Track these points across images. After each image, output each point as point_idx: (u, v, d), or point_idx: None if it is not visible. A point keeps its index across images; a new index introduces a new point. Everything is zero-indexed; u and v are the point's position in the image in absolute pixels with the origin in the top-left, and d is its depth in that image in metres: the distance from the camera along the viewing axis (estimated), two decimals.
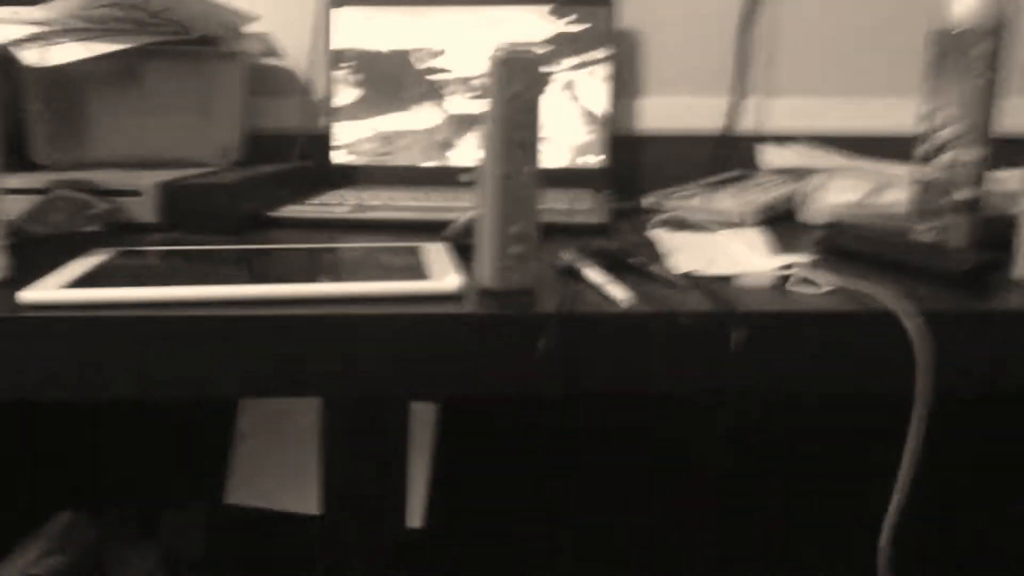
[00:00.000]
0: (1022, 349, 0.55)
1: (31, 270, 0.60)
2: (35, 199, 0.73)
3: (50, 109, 0.91)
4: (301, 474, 0.86)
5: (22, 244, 0.70)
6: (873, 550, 0.94)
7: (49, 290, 0.54)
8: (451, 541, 1.03)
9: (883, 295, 0.55)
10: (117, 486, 1.00)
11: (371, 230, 0.80)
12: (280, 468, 0.88)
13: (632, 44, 1.08)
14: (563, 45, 1.02)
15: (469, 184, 1.03)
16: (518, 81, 0.55)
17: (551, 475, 1.06)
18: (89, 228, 0.74)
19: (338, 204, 0.86)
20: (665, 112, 1.08)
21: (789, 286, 0.60)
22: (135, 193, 0.78)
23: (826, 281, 0.59)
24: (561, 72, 1.02)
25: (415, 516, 0.89)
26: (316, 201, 0.88)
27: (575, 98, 1.02)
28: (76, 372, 0.52)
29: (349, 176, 1.04)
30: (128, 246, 0.68)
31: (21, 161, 0.91)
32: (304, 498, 0.84)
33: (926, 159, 0.68)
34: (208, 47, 0.94)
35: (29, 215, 0.72)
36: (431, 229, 0.77)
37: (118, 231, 0.76)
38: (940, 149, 0.67)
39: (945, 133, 0.66)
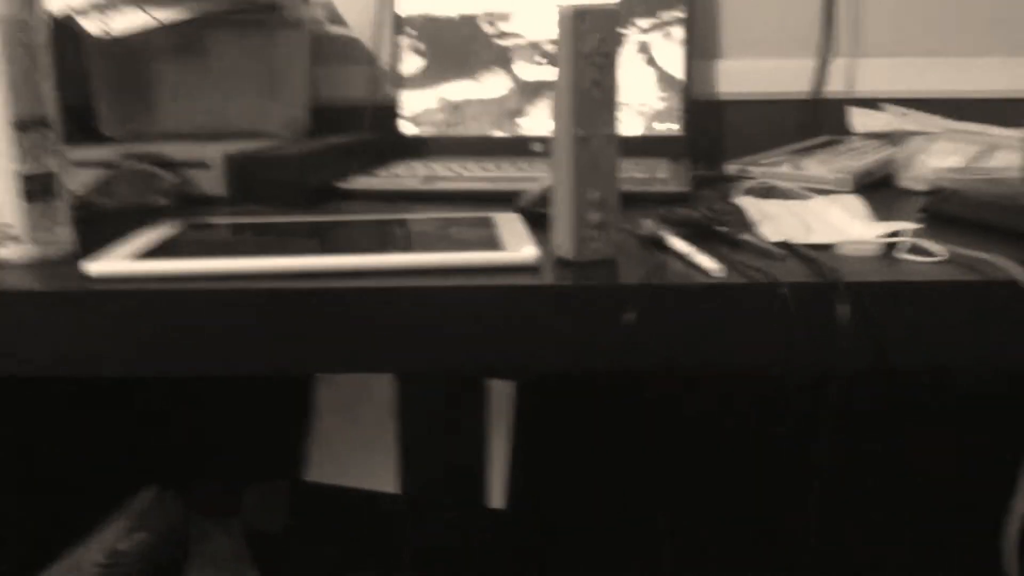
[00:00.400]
0: None
1: (99, 243, 0.58)
2: (102, 172, 0.72)
3: (116, 81, 0.90)
4: (379, 452, 0.84)
5: (90, 217, 0.69)
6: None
7: (115, 261, 0.52)
8: (533, 522, 1.01)
9: (1005, 263, 0.50)
10: (201, 463, 1.00)
11: (441, 201, 0.77)
12: (358, 446, 0.86)
13: (710, 3, 1.02)
14: (637, 5, 0.97)
15: (541, 153, 0.99)
16: (591, 36, 0.51)
17: (637, 455, 1.02)
18: (157, 201, 0.73)
19: (407, 175, 0.83)
20: (747, 75, 1.02)
21: (898, 255, 0.55)
22: (203, 165, 0.76)
23: (940, 249, 0.54)
24: (635, 34, 0.97)
25: (497, 496, 0.87)
26: (384, 172, 0.85)
27: (651, 61, 0.97)
28: (143, 347, 0.51)
29: (417, 147, 1.01)
30: (196, 218, 0.66)
31: (88, 133, 0.90)
32: (382, 476, 0.83)
33: None
34: (272, 15, 0.92)
35: (97, 188, 0.71)
36: (503, 200, 0.73)
37: (186, 204, 0.75)
38: None
39: None
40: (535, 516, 0.99)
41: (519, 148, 1.00)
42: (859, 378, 1.01)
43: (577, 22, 0.51)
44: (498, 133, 1.00)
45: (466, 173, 0.84)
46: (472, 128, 1.00)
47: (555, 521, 1.02)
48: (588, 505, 1.02)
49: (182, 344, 0.51)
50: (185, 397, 1.02)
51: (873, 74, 1.01)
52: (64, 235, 0.57)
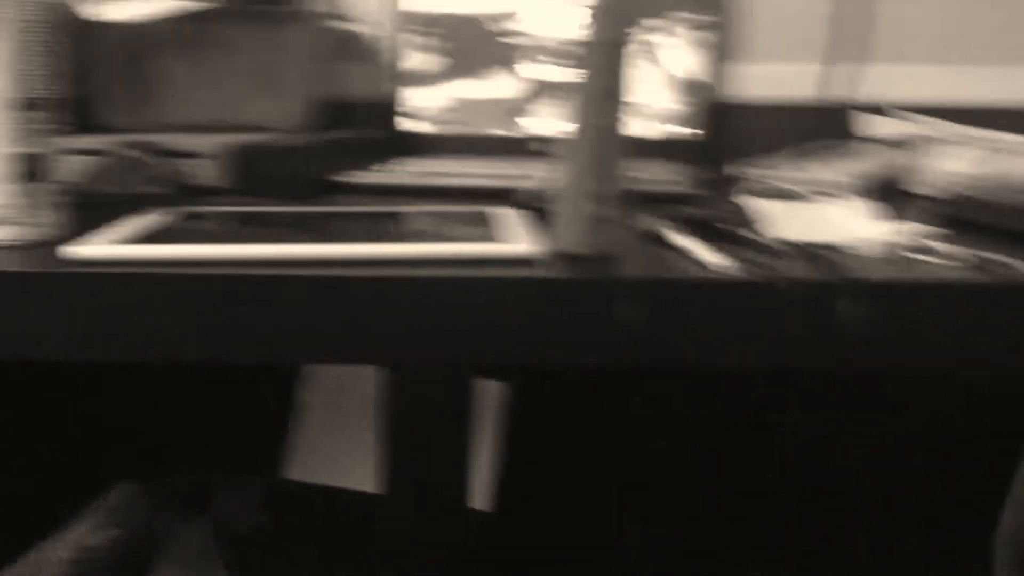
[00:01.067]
0: None
1: (90, 229, 0.57)
2: (96, 159, 0.71)
3: (119, 71, 0.90)
4: (360, 450, 0.83)
5: (85, 204, 0.67)
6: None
7: (95, 246, 0.51)
8: (518, 524, 0.99)
9: (1014, 263, 0.48)
10: (175, 458, 0.99)
11: (438, 197, 0.76)
12: (340, 443, 0.85)
13: (723, 9, 1.01)
14: (659, 8, 0.96)
15: (539, 152, 0.98)
16: (606, 34, 0.50)
17: (625, 457, 1.01)
18: (152, 190, 0.71)
19: (405, 170, 0.82)
20: (756, 80, 1.01)
21: (905, 254, 0.53)
22: (201, 156, 0.75)
23: (948, 250, 0.52)
24: (648, 38, 0.96)
25: (481, 498, 0.85)
26: (383, 167, 0.84)
27: (664, 64, 0.96)
28: (121, 331, 0.49)
29: (418, 144, 1.00)
30: (190, 207, 0.65)
31: (89, 123, 0.89)
32: (362, 474, 0.81)
33: None
34: (276, 9, 0.91)
35: (91, 175, 0.69)
36: (500, 196, 0.72)
37: (183, 194, 0.74)
38: None
39: None
40: (520, 519, 0.98)
41: (519, 147, 0.99)
42: (865, 377, 0.99)
43: (595, 20, 0.50)
44: (499, 132, 0.99)
45: (464, 170, 0.82)
46: (473, 126, 0.99)
47: (541, 525, 1.01)
48: (576, 508, 1.00)
49: (160, 331, 0.49)
50: (163, 390, 1.01)
51: (882, 80, 1.00)
52: (48, 218, 0.55)
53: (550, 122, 0.98)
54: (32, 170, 0.54)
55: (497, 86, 0.99)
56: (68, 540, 0.73)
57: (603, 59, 0.50)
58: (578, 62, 0.51)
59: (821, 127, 1.00)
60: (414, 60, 1.00)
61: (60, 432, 0.99)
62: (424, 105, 1.00)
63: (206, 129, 0.89)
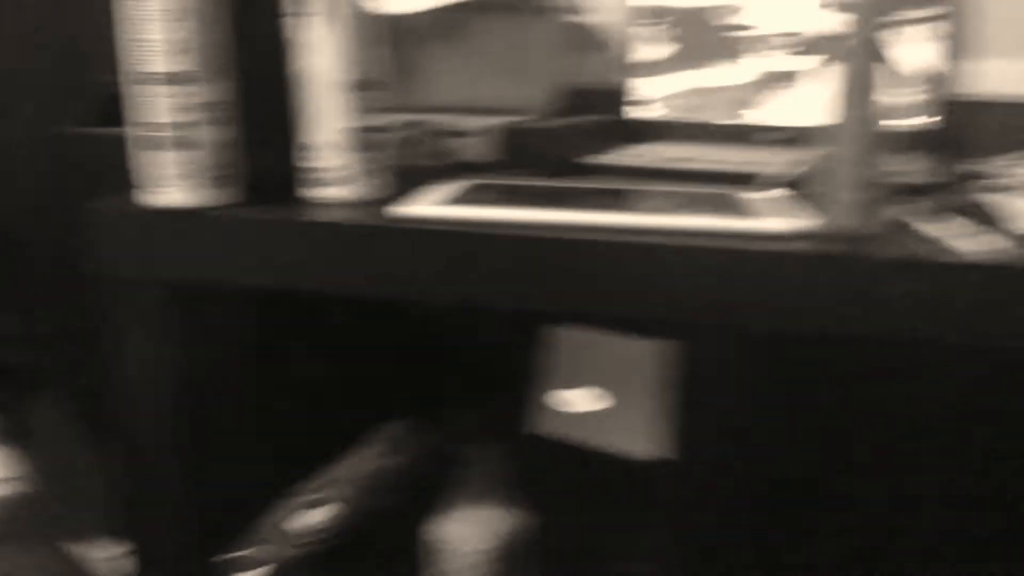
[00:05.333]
0: None
1: (399, 193, 0.69)
2: (403, 133, 0.84)
3: (395, 58, 1.02)
4: (638, 414, 0.91)
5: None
6: None
7: (426, 206, 0.62)
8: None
9: None
10: (451, 398, 1.09)
11: (677, 179, 0.83)
12: (608, 405, 0.93)
13: (972, 2, 1.02)
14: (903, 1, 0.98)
15: (767, 141, 1.02)
16: (871, 24, 0.56)
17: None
18: (431, 163, 0.83)
19: (649, 154, 0.89)
20: (1007, 77, 1.01)
21: None
22: (467, 135, 0.86)
23: None
24: (900, 29, 0.99)
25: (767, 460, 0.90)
26: (627, 151, 0.92)
27: (906, 55, 0.98)
28: (437, 276, 0.60)
29: (651, 131, 1.07)
30: (476, 179, 0.76)
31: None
32: (630, 437, 0.89)
33: None
34: (526, 3, 1.01)
35: (399, 146, 0.82)
36: (737, 181, 0.78)
37: (460, 167, 0.85)
38: None
39: None
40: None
41: (745, 136, 1.04)
42: None
43: (856, 14, 0.56)
44: (725, 120, 1.05)
45: (696, 155, 0.89)
46: (704, 115, 1.05)
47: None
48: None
49: (469, 277, 0.60)
50: (457, 334, 1.12)
51: None
52: (383, 182, 0.67)
53: (775, 112, 1.03)
54: (370, 141, 0.65)
55: (723, 76, 1.05)
56: (366, 461, 0.86)
57: (864, 51, 0.56)
58: (840, 54, 0.56)
59: None
60: (643, 50, 1.07)
61: (360, 367, 1.12)
62: (652, 94, 1.07)
63: (467, 111, 1.00)
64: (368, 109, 0.65)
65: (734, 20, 1.04)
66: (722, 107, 1.05)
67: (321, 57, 0.64)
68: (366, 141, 0.66)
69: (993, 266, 0.53)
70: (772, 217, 0.60)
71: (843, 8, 0.56)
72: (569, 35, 1.13)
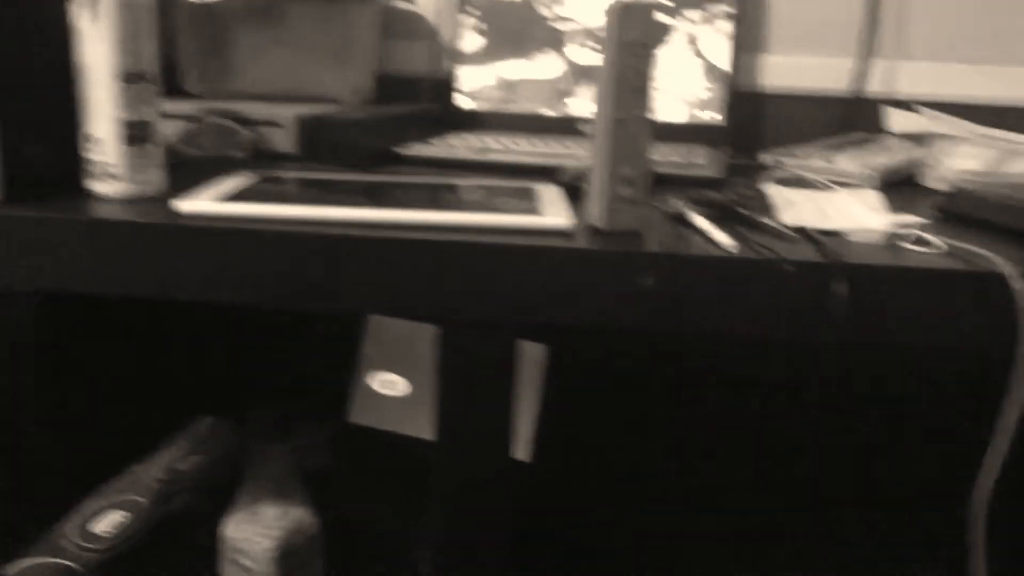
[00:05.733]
0: None
1: (184, 186, 0.66)
2: (188, 125, 0.80)
3: (200, 42, 0.98)
4: (418, 399, 0.92)
5: (176, 164, 0.76)
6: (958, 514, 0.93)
7: (203, 202, 0.60)
8: (557, 476, 1.08)
9: (995, 257, 0.55)
10: (253, 396, 1.09)
11: (490, 171, 0.84)
12: (399, 393, 0.94)
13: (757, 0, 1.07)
14: None
15: (586, 133, 1.05)
16: (634, 28, 0.57)
17: (658, 415, 1.09)
18: (235, 154, 0.80)
19: (460, 145, 0.90)
20: (790, 71, 1.07)
21: (902, 244, 0.60)
22: (276, 124, 0.84)
23: (939, 241, 0.59)
24: (683, 25, 1.02)
25: (523, 450, 0.94)
26: (439, 142, 0.92)
27: (697, 52, 1.02)
28: (221, 277, 0.58)
29: (471, 120, 1.07)
30: (269, 171, 0.74)
31: (173, 89, 0.98)
32: (420, 423, 0.90)
33: None
34: None
35: (183, 138, 0.78)
36: (547, 173, 0.80)
37: (259, 158, 0.83)
38: None
39: None
40: (560, 472, 1.06)
41: (567, 127, 1.06)
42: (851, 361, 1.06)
43: (622, 15, 0.57)
44: (548, 112, 1.06)
45: (515, 147, 0.90)
46: (524, 105, 1.06)
47: (578, 476, 1.09)
48: (613, 464, 1.09)
49: (250, 277, 0.58)
50: (245, 331, 1.11)
51: (913, 77, 1.05)
52: (157, 177, 0.64)
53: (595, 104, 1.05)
54: (140, 134, 0.62)
55: (546, 68, 1.06)
56: (161, 463, 0.83)
57: (626, 56, 0.57)
58: (609, 60, 0.58)
59: (853, 120, 1.06)
60: (471, 41, 1.07)
61: (155, 366, 1.09)
62: (477, 83, 1.07)
63: (279, 99, 0.97)
64: (142, 101, 0.62)
65: (556, 12, 1.05)
66: (544, 98, 1.07)
67: (94, 47, 0.61)
68: (142, 134, 0.63)
69: (748, 260, 0.55)
70: (552, 214, 0.61)
71: (608, 8, 0.57)
72: (389, 22, 1.12)
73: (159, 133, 0.64)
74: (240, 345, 1.12)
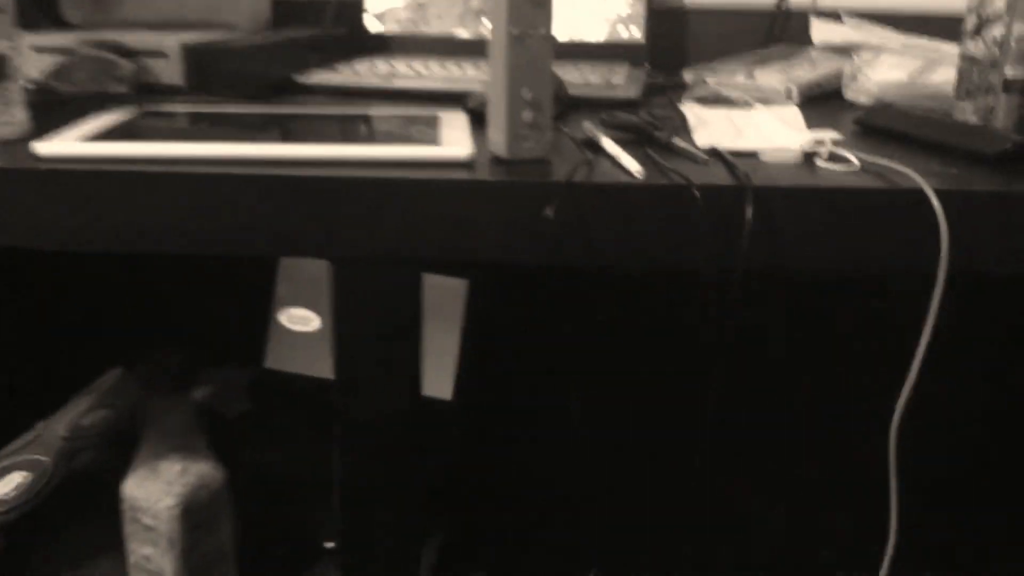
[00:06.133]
0: None
1: (55, 126, 0.60)
2: (61, 58, 0.74)
3: None
4: (324, 339, 0.89)
5: (47, 102, 0.70)
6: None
7: (65, 143, 0.54)
8: (475, 411, 1.06)
9: (911, 173, 0.53)
10: (166, 343, 1.05)
11: (398, 99, 0.79)
12: (312, 328, 0.91)
13: None
14: None
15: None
16: None
17: (570, 350, 1.07)
18: (115, 88, 0.74)
19: (367, 72, 0.84)
20: None
21: (818, 162, 0.57)
22: (161, 55, 0.77)
23: (855, 157, 0.57)
24: None
25: (444, 388, 0.91)
26: (345, 68, 0.86)
27: None
28: (85, 224, 0.53)
29: (382, 44, 1.01)
30: (150, 106, 0.68)
31: (51, 20, 0.91)
32: (325, 363, 0.87)
33: (975, 32, 0.64)
34: None
35: (55, 74, 0.72)
36: (458, 100, 0.75)
37: (144, 92, 0.76)
38: (989, 21, 0.62)
39: (996, 4, 0.62)
40: (478, 407, 1.05)
41: (482, 49, 1.00)
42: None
43: None
44: (462, 33, 1.01)
45: (425, 72, 0.85)
46: (436, 26, 1.01)
47: (496, 411, 1.08)
48: (529, 398, 1.08)
49: (120, 224, 0.53)
50: (162, 276, 1.06)
51: None
52: (18, 117, 0.58)
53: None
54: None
55: None
56: (64, 420, 0.79)
57: None
58: None
59: (778, 32, 1.02)
60: None
61: (61, 320, 1.04)
62: (388, 5, 1.01)
63: (167, 27, 0.90)
64: (3, 32, 0.56)
65: None
66: (457, 17, 1.01)
67: None
68: (3, 71, 0.57)
69: (656, 186, 0.52)
70: (449, 143, 0.57)
71: None
72: None
73: (17, 68, 0.58)
74: (157, 290, 1.07)
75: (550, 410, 1.10)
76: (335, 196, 0.53)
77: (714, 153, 0.59)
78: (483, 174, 0.54)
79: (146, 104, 0.69)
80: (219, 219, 0.53)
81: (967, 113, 0.66)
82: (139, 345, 0.89)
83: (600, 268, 0.86)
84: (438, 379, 0.91)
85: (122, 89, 0.74)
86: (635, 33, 0.97)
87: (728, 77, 0.85)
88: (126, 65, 0.73)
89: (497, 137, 0.56)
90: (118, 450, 0.76)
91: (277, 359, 0.93)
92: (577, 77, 0.83)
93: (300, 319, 0.91)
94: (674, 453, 1.10)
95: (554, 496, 1.12)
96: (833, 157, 0.57)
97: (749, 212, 0.52)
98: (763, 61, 0.91)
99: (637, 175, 0.53)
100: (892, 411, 0.54)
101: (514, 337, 1.08)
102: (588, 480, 1.12)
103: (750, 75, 0.84)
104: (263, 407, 0.95)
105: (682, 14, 1.03)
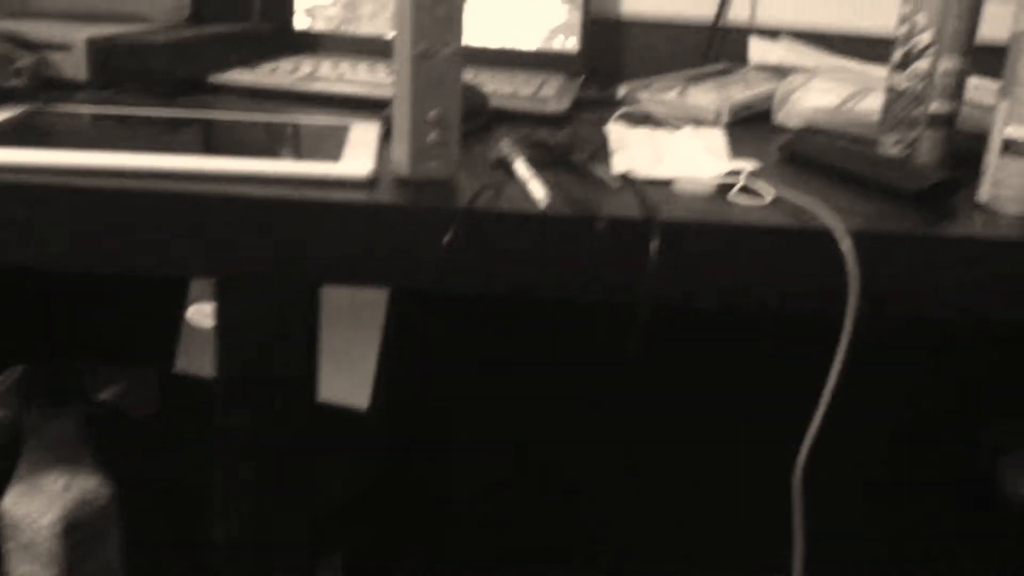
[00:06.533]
0: (964, 275, 0.51)
1: None
2: None
3: None
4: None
5: None
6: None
7: None
8: (395, 420, 1.04)
9: (820, 211, 0.51)
10: (72, 348, 1.01)
11: (314, 103, 0.76)
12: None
13: None
14: None
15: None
16: None
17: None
18: (10, 83, 0.70)
19: (285, 73, 0.81)
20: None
21: (730, 195, 0.56)
22: (65, 48, 0.73)
23: (768, 192, 0.55)
24: None
25: (361, 397, 0.89)
26: (265, 68, 0.83)
27: None
28: None
29: (310, 43, 0.97)
30: (37, 106, 0.64)
31: None
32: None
33: (901, 66, 0.63)
34: None
35: None
36: (379, 106, 0.72)
37: (46, 88, 0.72)
38: (916, 55, 0.61)
39: (923, 38, 0.60)
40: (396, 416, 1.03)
41: None
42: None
43: None
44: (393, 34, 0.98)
45: (349, 75, 0.82)
46: (367, 27, 0.97)
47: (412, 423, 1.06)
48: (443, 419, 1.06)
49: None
50: (66, 284, 1.02)
51: (778, 4, 1.00)
52: None
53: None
54: None
55: None
56: None
57: None
58: None
59: (719, 49, 1.01)
60: None
61: None
62: (317, 1, 0.98)
63: (81, 19, 0.86)
64: None
65: None
66: (390, 18, 0.97)
67: None
68: None
69: (561, 218, 0.50)
70: (349, 159, 0.54)
71: None
72: None
73: None
74: (70, 290, 1.03)
75: (480, 421, 1.08)
76: (219, 214, 0.50)
77: (627, 180, 0.57)
78: (383, 194, 0.51)
79: (36, 103, 0.65)
80: (96, 234, 0.50)
81: (889, 146, 0.65)
82: (39, 352, 0.85)
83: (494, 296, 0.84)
84: (353, 388, 0.88)
85: (19, 84, 0.70)
86: (571, 43, 0.95)
87: (661, 94, 0.83)
88: (25, 58, 0.69)
89: (400, 155, 0.54)
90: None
91: (187, 361, 0.89)
92: (507, 87, 0.80)
93: (210, 315, 0.88)
94: (596, 464, 1.09)
95: (480, 511, 1.11)
96: (746, 190, 0.56)
97: (654, 246, 0.50)
98: (699, 79, 0.89)
99: (540, 204, 0.51)
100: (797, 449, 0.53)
101: (445, 349, 1.05)
102: (514, 494, 1.11)
103: (683, 93, 0.83)
104: (173, 410, 0.92)
105: (620, 25, 1.01)
